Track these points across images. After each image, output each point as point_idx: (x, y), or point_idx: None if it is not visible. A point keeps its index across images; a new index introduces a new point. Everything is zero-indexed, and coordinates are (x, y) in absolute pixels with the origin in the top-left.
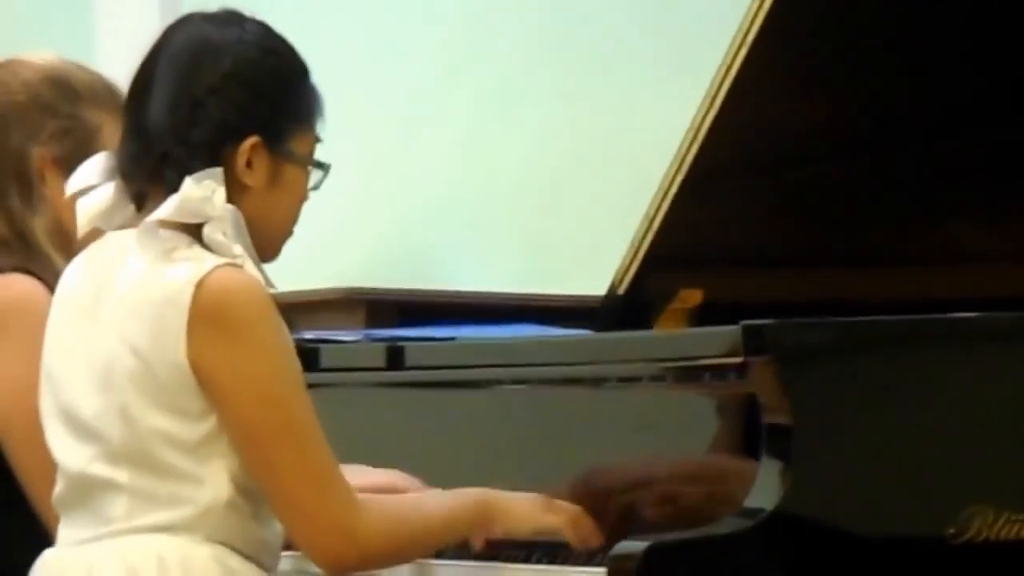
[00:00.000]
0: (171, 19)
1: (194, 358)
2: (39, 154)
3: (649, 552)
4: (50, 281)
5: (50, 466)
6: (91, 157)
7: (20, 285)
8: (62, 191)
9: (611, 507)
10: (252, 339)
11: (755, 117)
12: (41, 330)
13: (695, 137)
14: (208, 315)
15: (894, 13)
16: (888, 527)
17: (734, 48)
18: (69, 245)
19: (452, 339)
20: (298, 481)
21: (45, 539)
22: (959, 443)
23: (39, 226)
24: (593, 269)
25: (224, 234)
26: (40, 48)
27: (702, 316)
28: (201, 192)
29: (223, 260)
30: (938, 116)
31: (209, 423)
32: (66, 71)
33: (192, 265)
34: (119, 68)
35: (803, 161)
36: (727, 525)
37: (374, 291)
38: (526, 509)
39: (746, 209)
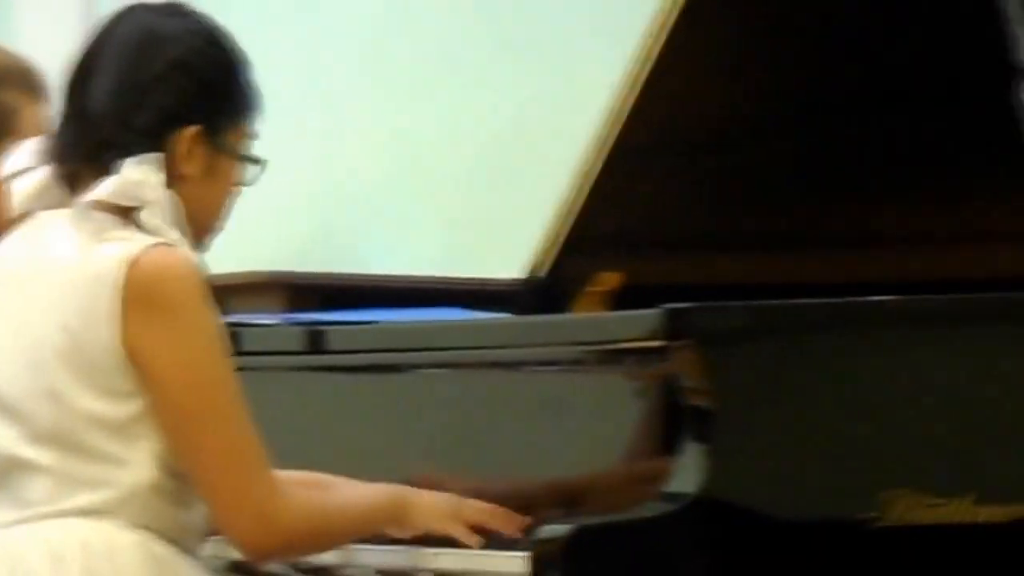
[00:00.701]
0: (92, 11)
1: (127, 337)
2: None
3: (573, 536)
4: None
5: None
6: (12, 139)
7: None
8: None
9: (531, 494)
10: (186, 320)
11: (675, 99)
12: None
13: (615, 119)
14: (141, 294)
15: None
16: (810, 511)
17: (655, 29)
18: None
19: (373, 323)
20: (224, 465)
21: None
22: (879, 427)
23: None
24: (513, 253)
25: (161, 219)
26: None
27: (621, 299)
28: (140, 175)
29: (156, 240)
30: (861, 100)
31: (137, 404)
32: None
33: (125, 244)
34: (41, 55)
35: (724, 144)
36: (650, 509)
37: (295, 275)
38: (439, 511)
39: (666, 192)
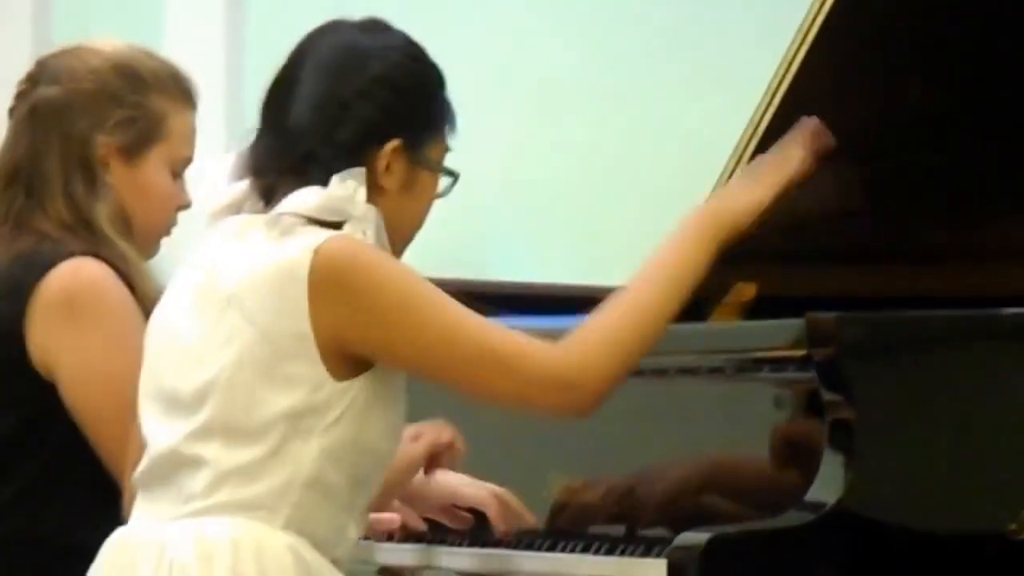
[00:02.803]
0: (236, 10)
1: (320, 325)
2: (103, 142)
3: (711, 543)
4: (117, 264)
5: (129, 447)
6: (161, 146)
7: (89, 268)
8: (124, 178)
9: (674, 500)
10: (376, 291)
11: (812, 113)
12: (113, 312)
13: (754, 132)
14: (328, 282)
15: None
16: (949, 522)
17: (794, 46)
18: (130, 232)
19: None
20: (489, 368)
21: (118, 517)
22: (1020, 439)
23: (102, 212)
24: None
25: (364, 233)
26: (109, 33)
27: (756, 310)
28: (344, 191)
29: (339, 232)
30: (997, 113)
31: (317, 395)
32: (134, 59)
33: (309, 237)
34: (184, 54)
35: (859, 157)
36: (789, 518)
37: (436, 280)
38: (749, 199)
39: (800, 205)
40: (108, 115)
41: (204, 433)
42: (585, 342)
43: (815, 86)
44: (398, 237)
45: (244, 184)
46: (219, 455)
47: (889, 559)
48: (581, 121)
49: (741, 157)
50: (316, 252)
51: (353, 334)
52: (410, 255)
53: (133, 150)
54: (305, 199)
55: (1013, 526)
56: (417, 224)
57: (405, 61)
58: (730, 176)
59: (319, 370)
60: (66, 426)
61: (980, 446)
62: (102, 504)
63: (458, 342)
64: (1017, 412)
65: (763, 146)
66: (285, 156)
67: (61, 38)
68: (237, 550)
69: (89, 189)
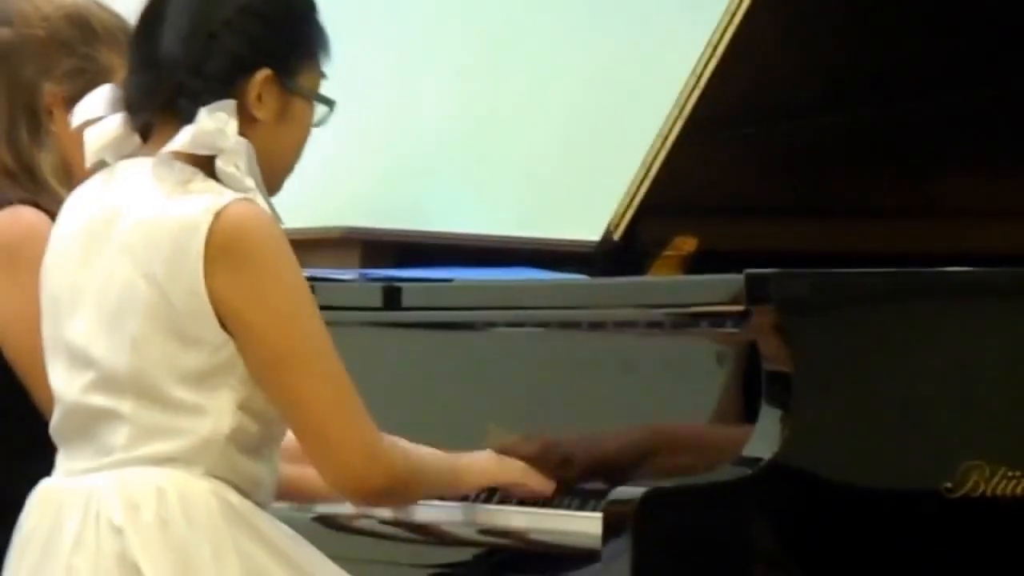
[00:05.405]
0: None
1: (212, 287)
2: (50, 90)
3: (645, 498)
4: (56, 214)
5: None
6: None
7: (28, 217)
8: (68, 129)
9: (608, 459)
10: (271, 271)
11: (755, 67)
12: None
13: (696, 85)
14: (226, 245)
15: None
16: (885, 479)
17: None
18: (72, 182)
19: (449, 280)
20: (324, 408)
21: (41, 471)
22: (957, 398)
23: (45, 161)
24: (590, 215)
25: (236, 167)
26: None
27: (695, 264)
28: (215, 124)
29: (240, 195)
30: (939, 70)
31: (220, 353)
32: (87, 10)
33: (211, 197)
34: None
35: (802, 112)
36: (725, 473)
37: (371, 231)
38: (489, 467)
39: (743, 158)
40: (57, 63)
41: (115, 388)
42: (408, 452)
43: (757, 40)
44: (274, 168)
45: (119, 119)
46: (135, 411)
47: (825, 515)
48: (525, 71)
49: (683, 108)
50: (217, 216)
51: (235, 301)
52: (353, 205)
53: (78, 100)
54: (182, 137)
55: (949, 484)
56: (294, 155)
57: None
58: (671, 129)
59: (218, 331)
60: None
61: (917, 403)
62: (28, 457)
63: (324, 360)
64: (954, 370)
65: (704, 98)
66: (157, 91)
67: None
68: (162, 497)
69: (33, 137)
